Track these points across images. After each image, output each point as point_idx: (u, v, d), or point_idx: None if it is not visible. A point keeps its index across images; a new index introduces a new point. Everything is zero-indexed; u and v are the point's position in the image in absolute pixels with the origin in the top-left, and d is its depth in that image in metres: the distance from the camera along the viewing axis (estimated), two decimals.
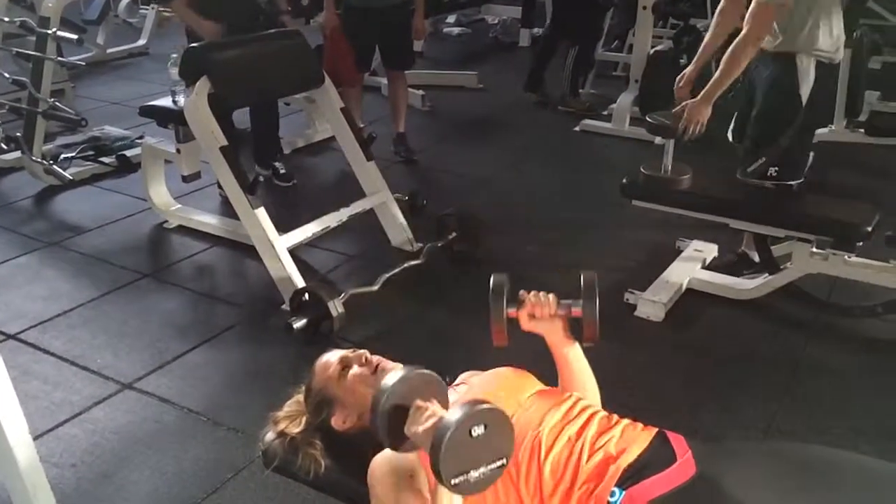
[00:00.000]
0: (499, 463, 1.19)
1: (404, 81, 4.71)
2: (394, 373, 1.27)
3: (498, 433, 1.18)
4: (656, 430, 1.43)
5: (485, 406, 1.17)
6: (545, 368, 1.65)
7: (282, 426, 1.57)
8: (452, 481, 1.15)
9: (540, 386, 1.58)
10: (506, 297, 1.54)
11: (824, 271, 2.88)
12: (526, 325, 1.57)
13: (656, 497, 1.29)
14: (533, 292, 1.57)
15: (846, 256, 2.81)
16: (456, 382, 1.64)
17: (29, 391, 2.47)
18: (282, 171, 4.24)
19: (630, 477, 1.32)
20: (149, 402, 2.48)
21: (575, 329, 1.61)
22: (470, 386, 1.56)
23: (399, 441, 1.26)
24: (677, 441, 1.40)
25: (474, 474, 1.16)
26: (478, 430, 1.15)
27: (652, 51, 5.10)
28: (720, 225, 3.03)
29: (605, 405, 1.57)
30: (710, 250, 3.37)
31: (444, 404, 1.28)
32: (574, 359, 1.64)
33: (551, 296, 1.57)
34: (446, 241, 3.36)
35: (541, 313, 1.55)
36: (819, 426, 2.36)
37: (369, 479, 1.40)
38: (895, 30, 5.63)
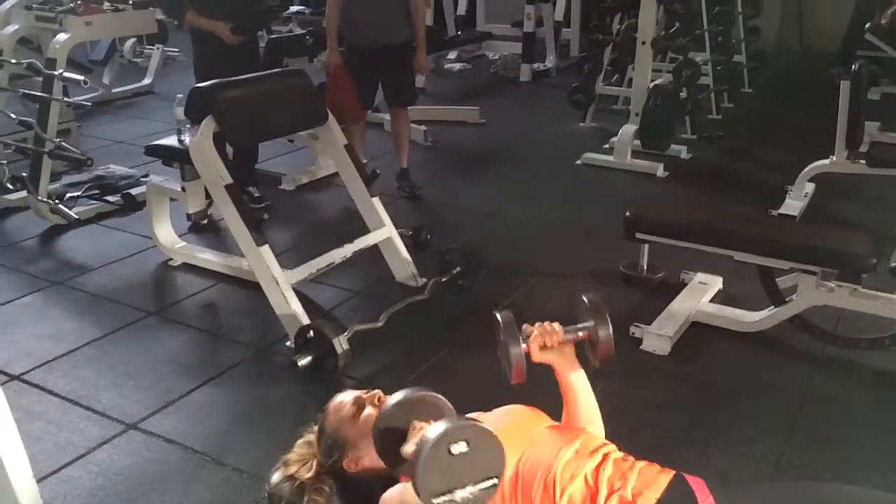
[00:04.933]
0: (488, 483, 1.15)
1: (407, 117, 4.75)
2: (396, 394, 1.26)
3: (483, 451, 1.14)
4: (674, 472, 1.41)
5: (464, 423, 1.15)
6: (548, 401, 1.65)
7: (292, 470, 1.56)
8: (433, 500, 1.12)
9: (551, 422, 1.57)
10: (519, 335, 1.54)
11: (830, 303, 2.87)
12: (536, 356, 1.56)
13: None
14: (538, 323, 1.57)
15: (852, 288, 2.80)
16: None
17: (33, 433, 2.46)
18: (255, 195, 4.31)
19: None
20: (153, 443, 2.47)
21: (582, 356, 1.60)
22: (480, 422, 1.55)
23: (397, 462, 1.24)
24: (698, 485, 1.38)
25: (460, 494, 1.13)
26: (458, 448, 1.12)
27: (652, 84, 5.15)
28: (725, 257, 3.03)
29: (613, 441, 1.56)
30: (715, 282, 3.36)
31: None
32: (582, 388, 1.63)
33: (556, 324, 1.57)
34: (450, 275, 3.36)
35: (550, 342, 1.55)
36: (829, 460, 2.33)
37: None
38: (892, 61, 5.69)
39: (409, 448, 1.19)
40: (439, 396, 1.32)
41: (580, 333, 1.57)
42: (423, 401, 1.29)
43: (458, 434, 1.13)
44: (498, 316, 1.56)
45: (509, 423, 1.52)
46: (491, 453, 1.16)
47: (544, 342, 1.55)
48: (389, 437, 1.24)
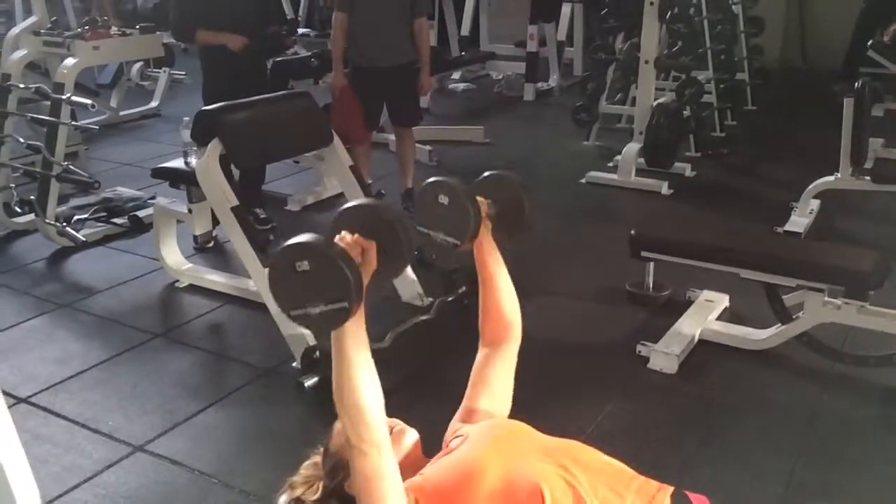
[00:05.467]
0: (338, 305, 1.24)
1: (412, 137, 4.78)
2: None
3: (329, 274, 1.23)
4: (672, 489, 1.40)
5: (308, 241, 1.24)
6: (547, 418, 1.64)
7: (298, 492, 1.55)
8: (291, 312, 1.25)
9: (541, 436, 1.55)
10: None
11: (837, 320, 2.86)
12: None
13: None
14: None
15: (859, 305, 2.79)
16: (453, 434, 1.62)
17: (40, 455, 2.45)
18: (262, 216, 4.32)
19: None
20: (160, 465, 2.46)
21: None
22: (465, 436, 1.54)
23: None
24: (700, 502, 1.37)
25: (313, 310, 1.24)
26: (301, 265, 1.22)
27: (655, 103, 5.17)
28: (731, 274, 3.03)
29: (619, 460, 1.55)
30: (722, 300, 3.35)
31: (369, 234, 1.35)
32: (500, 262, 1.71)
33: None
34: (456, 295, 3.37)
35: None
36: (840, 480, 2.32)
37: None
38: (895, 78, 5.70)
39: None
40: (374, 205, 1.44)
41: (497, 205, 1.65)
42: (354, 212, 1.39)
43: (301, 253, 1.22)
44: (443, 179, 1.58)
45: (497, 435, 1.52)
46: (335, 277, 1.23)
47: None
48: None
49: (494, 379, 1.67)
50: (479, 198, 1.61)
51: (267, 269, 1.27)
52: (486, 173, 1.70)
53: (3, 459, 1.60)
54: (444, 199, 1.39)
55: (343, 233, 1.35)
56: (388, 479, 1.34)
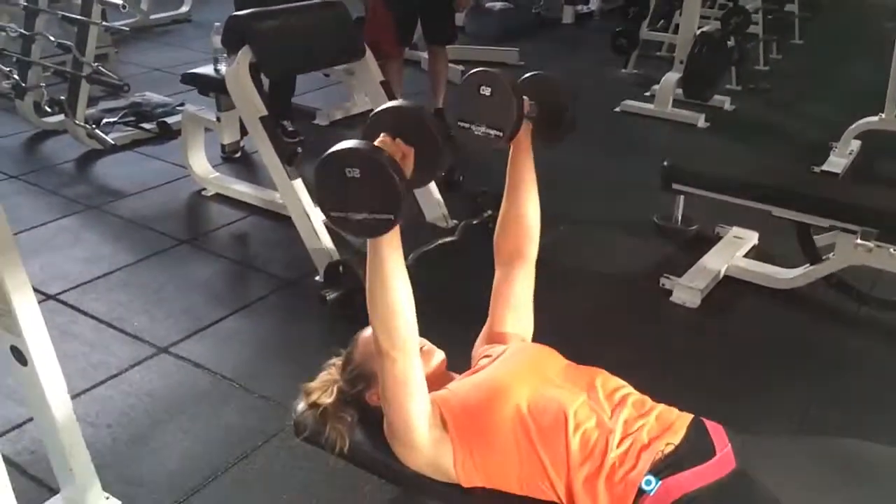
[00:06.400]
0: (383, 216, 1.21)
1: (445, 56, 4.67)
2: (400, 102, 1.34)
3: (376, 184, 1.19)
4: (692, 416, 1.41)
5: (361, 146, 1.20)
6: (569, 344, 1.64)
7: (314, 397, 1.58)
8: (332, 213, 1.21)
9: (565, 361, 1.56)
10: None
11: (868, 263, 2.81)
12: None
13: (692, 490, 1.27)
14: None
15: (891, 249, 2.74)
16: (481, 354, 1.63)
17: (67, 351, 2.52)
18: (290, 129, 4.28)
19: (668, 466, 1.30)
20: (183, 367, 2.52)
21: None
22: (493, 357, 1.55)
23: None
24: (716, 431, 1.37)
25: (356, 216, 1.21)
26: (352, 172, 1.18)
27: (699, 31, 4.99)
28: (762, 212, 2.97)
29: (637, 389, 1.55)
30: (751, 237, 3.30)
31: (421, 150, 1.31)
32: (532, 167, 1.69)
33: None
34: (481, 218, 3.34)
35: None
36: (854, 420, 2.32)
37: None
38: None
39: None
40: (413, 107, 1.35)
41: (538, 107, 1.59)
42: (396, 112, 1.33)
43: (352, 160, 1.18)
44: (488, 69, 1.51)
45: (525, 358, 1.52)
46: (385, 189, 1.19)
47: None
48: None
49: (514, 297, 1.67)
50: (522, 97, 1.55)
51: (314, 168, 1.22)
52: (531, 73, 1.63)
53: (33, 354, 1.64)
54: (486, 91, 1.32)
55: (383, 135, 1.30)
56: (414, 385, 1.36)
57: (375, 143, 1.28)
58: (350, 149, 1.19)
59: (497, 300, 1.69)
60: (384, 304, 1.32)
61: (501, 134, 1.37)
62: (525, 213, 1.66)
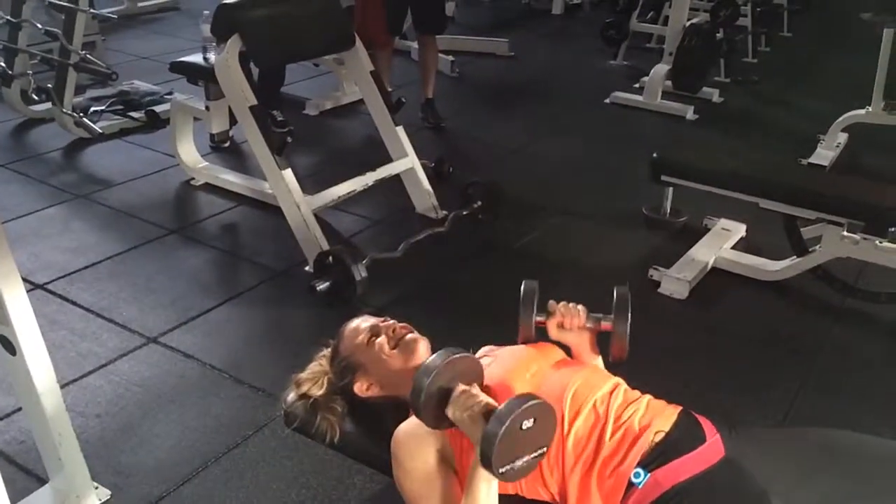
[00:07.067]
0: (539, 452, 1.24)
1: (435, 46, 4.66)
2: (439, 354, 1.30)
3: (544, 425, 1.23)
4: (680, 408, 1.43)
5: (536, 402, 1.21)
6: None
7: (304, 388, 1.58)
8: (500, 470, 1.20)
9: (561, 355, 1.58)
10: (535, 306, 1.56)
11: (854, 255, 2.84)
12: (554, 334, 1.57)
13: (683, 480, 1.29)
14: (563, 303, 1.58)
15: (877, 241, 2.76)
16: (478, 355, 1.64)
17: (56, 341, 2.52)
18: (279, 119, 4.25)
19: (657, 457, 1.32)
20: (173, 357, 2.52)
21: (601, 343, 1.60)
22: (495, 358, 1.56)
23: (439, 421, 1.30)
24: (705, 423, 1.39)
25: (518, 463, 1.22)
26: (527, 424, 1.20)
27: (688, 23, 5.00)
28: (750, 204, 2.99)
29: (625, 380, 1.57)
30: (738, 229, 3.33)
31: (481, 386, 1.34)
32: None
33: (580, 307, 1.58)
34: (471, 209, 3.35)
35: (570, 324, 1.56)
36: (841, 410, 2.35)
37: (393, 446, 1.42)
38: None
39: (463, 414, 1.26)
40: (474, 357, 1.38)
41: (602, 324, 1.57)
42: (463, 362, 1.33)
43: (532, 412, 1.20)
44: (525, 284, 1.56)
45: (520, 360, 1.53)
46: (549, 426, 1.24)
47: (563, 322, 1.56)
48: (433, 397, 1.29)
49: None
50: (580, 307, 1.59)
51: (493, 433, 1.19)
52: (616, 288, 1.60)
53: (21, 343, 1.63)
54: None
55: (467, 386, 1.31)
56: None
57: (473, 391, 1.30)
58: (527, 407, 1.19)
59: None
60: None
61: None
62: None
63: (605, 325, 1.57)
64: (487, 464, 1.19)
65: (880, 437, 1.48)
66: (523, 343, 1.57)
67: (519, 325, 1.55)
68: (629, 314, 1.53)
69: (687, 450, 1.33)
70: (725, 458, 1.31)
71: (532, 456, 1.23)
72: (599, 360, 1.64)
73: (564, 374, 1.47)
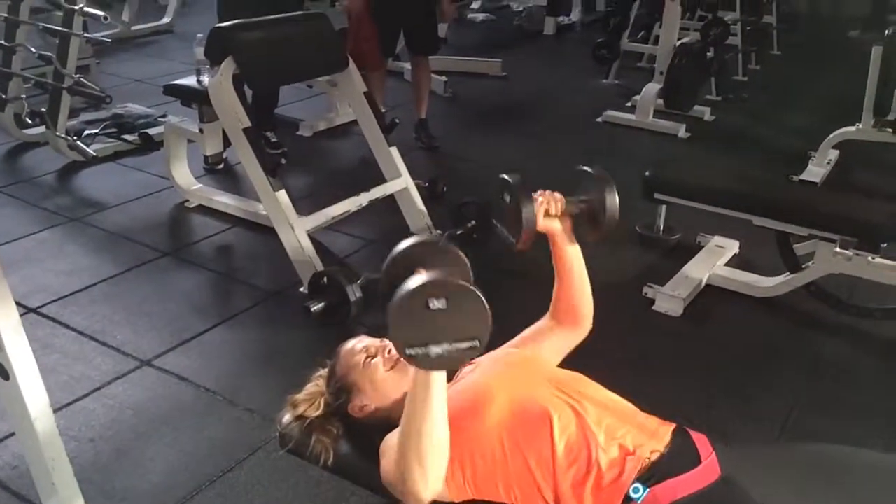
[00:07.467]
0: (468, 344, 1.15)
1: (428, 67, 4.69)
2: (417, 237, 1.30)
3: (464, 312, 1.14)
4: (674, 425, 1.42)
5: (450, 280, 1.15)
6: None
7: (300, 409, 1.58)
8: (408, 352, 1.13)
9: (549, 367, 1.57)
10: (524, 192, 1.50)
11: (847, 272, 2.85)
12: (541, 223, 1.54)
13: (679, 498, 1.28)
14: (541, 191, 1.56)
15: (869, 257, 2.78)
16: (469, 362, 1.63)
17: (49, 364, 2.50)
18: (273, 140, 4.27)
19: (654, 475, 1.31)
20: (167, 380, 2.51)
21: (580, 231, 1.61)
22: (478, 365, 1.56)
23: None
24: (700, 441, 1.38)
25: (435, 349, 1.14)
26: (437, 304, 1.12)
27: (678, 43, 5.05)
28: (743, 221, 3.01)
29: (621, 396, 1.56)
30: (732, 246, 3.34)
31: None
32: (578, 261, 1.64)
33: (557, 193, 1.57)
34: (465, 228, 3.35)
35: (555, 209, 1.54)
36: (836, 426, 2.34)
37: (381, 448, 1.41)
38: None
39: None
40: (459, 253, 1.33)
41: (583, 204, 1.57)
42: (441, 251, 1.31)
43: (439, 290, 1.13)
44: (507, 177, 1.50)
45: (507, 363, 1.53)
46: (475, 316, 1.15)
47: (548, 208, 1.54)
48: (393, 279, 1.25)
49: (546, 348, 1.66)
50: (558, 194, 1.57)
51: (387, 307, 1.14)
52: (580, 168, 1.63)
53: (14, 367, 1.62)
54: (507, 197, 1.30)
55: (420, 270, 1.29)
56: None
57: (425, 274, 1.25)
58: (435, 281, 1.14)
59: (531, 336, 1.67)
60: (429, 439, 1.26)
61: (514, 241, 1.34)
62: (572, 300, 1.64)
63: (585, 205, 1.56)
64: (393, 342, 1.13)
65: (875, 451, 1.48)
66: (526, 242, 1.47)
67: (520, 223, 1.44)
68: (614, 184, 1.54)
69: (685, 468, 1.32)
70: (722, 478, 1.31)
71: (454, 346, 1.13)
72: (578, 249, 1.63)
73: (554, 385, 1.45)
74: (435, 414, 1.25)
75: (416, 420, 1.25)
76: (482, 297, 1.15)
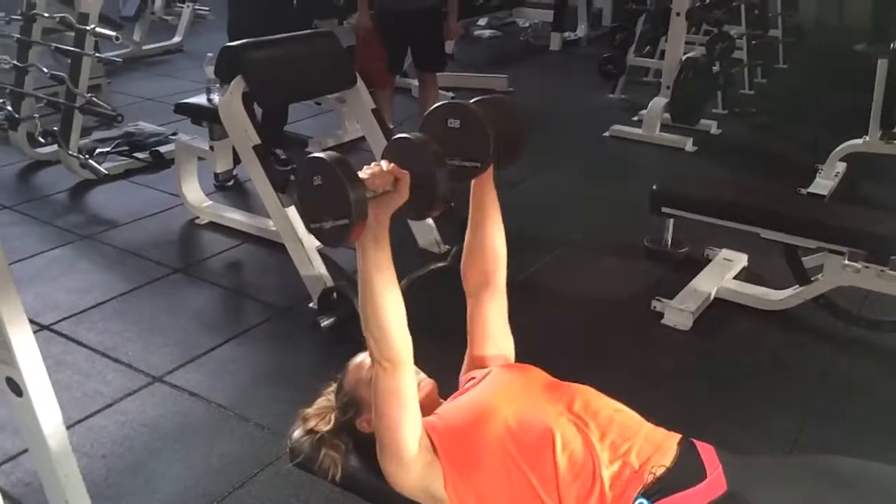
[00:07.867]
0: (341, 223, 1.26)
1: (435, 83, 4.72)
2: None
3: (334, 190, 1.24)
4: (680, 436, 1.42)
5: (322, 157, 1.26)
6: (561, 367, 1.65)
7: (311, 424, 1.59)
8: (311, 224, 1.29)
9: (550, 379, 1.57)
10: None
11: (856, 284, 2.85)
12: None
13: None
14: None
15: (879, 269, 2.77)
16: (467, 379, 1.64)
17: (62, 381, 2.52)
18: (282, 157, 4.29)
19: (660, 489, 1.31)
20: (178, 396, 2.52)
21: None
22: (478, 378, 1.56)
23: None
24: (707, 452, 1.38)
25: (327, 225, 1.27)
26: (317, 180, 1.26)
27: (684, 57, 5.07)
28: (751, 234, 3.01)
29: (628, 408, 1.56)
30: (740, 259, 3.34)
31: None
32: (496, 204, 1.68)
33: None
34: None
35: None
36: (847, 439, 2.33)
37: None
38: None
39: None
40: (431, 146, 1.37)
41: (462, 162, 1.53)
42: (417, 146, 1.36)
43: (315, 166, 1.25)
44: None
45: (509, 377, 1.53)
46: (341, 193, 1.24)
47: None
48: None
49: (490, 325, 1.67)
50: (385, 162, 1.47)
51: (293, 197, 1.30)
52: (480, 98, 1.62)
53: (28, 384, 1.64)
54: (454, 123, 1.32)
55: (382, 161, 1.35)
56: (405, 398, 1.36)
57: (370, 165, 1.31)
58: (313, 157, 1.26)
59: (473, 328, 1.70)
60: (373, 316, 1.34)
61: (479, 165, 1.36)
62: (492, 244, 1.66)
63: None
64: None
65: (887, 464, 1.47)
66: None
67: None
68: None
69: (691, 483, 1.32)
70: (729, 492, 1.31)
71: (334, 223, 1.25)
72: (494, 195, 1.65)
73: (554, 399, 1.46)
74: (374, 289, 1.34)
75: (363, 301, 1.36)
76: (345, 179, 1.24)
